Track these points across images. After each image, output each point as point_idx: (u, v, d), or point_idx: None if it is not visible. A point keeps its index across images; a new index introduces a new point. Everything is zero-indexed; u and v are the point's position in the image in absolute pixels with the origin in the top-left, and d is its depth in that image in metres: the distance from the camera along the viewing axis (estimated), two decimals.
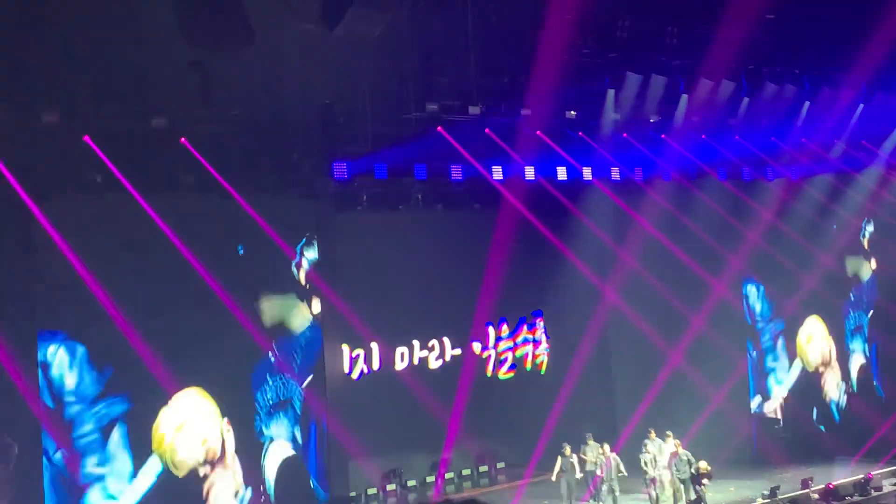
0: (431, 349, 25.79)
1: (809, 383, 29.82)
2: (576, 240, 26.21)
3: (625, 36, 24.95)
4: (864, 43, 25.61)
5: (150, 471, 20.55)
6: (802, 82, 27.75)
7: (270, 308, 22.37)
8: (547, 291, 27.14)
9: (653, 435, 23.47)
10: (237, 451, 21.76)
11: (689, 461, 22.84)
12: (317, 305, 23.14)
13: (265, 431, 22.27)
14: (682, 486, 22.88)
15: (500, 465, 26.49)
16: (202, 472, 21.23)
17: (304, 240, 22.94)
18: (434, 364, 25.78)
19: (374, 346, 24.69)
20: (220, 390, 21.50)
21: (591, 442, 23.44)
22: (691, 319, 26.64)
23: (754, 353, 28.96)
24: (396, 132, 23.60)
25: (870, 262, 31.65)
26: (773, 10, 25.01)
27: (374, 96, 23.35)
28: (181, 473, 20.94)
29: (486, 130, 24.14)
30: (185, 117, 20.58)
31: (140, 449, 20.46)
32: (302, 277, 22.94)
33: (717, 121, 27.01)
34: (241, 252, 21.77)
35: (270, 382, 22.35)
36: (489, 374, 26.88)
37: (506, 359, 27.17)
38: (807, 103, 27.89)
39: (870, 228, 31.33)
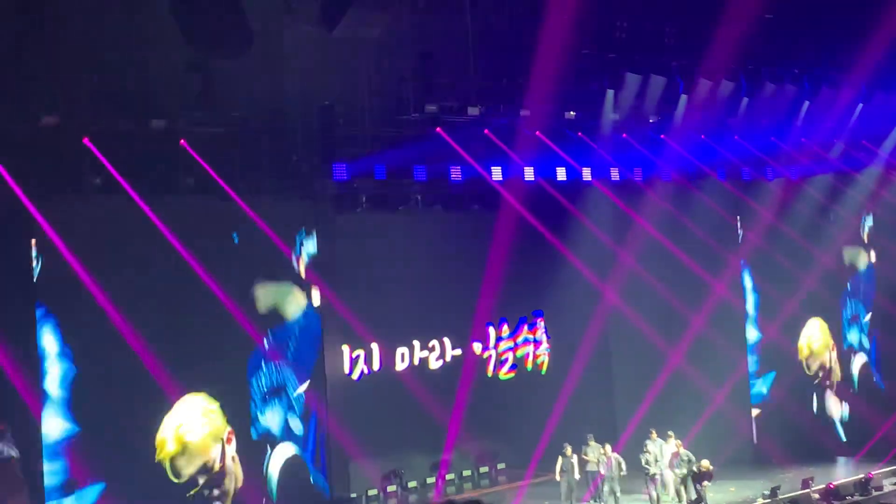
0: (432, 349, 25.77)
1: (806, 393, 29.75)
2: (575, 240, 26.21)
3: (624, 36, 25.03)
4: (863, 42, 25.65)
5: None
6: (802, 82, 27.79)
7: (265, 295, 22.32)
8: (547, 292, 27.12)
9: (654, 435, 23.47)
10: (238, 453, 21.78)
11: (689, 461, 22.85)
12: (316, 296, 23.05)
13: (260, 419, 22.24)
14: (682, 486, 22.89)
15: (501, 465, 26.47)
16: (202, 478, 21.23)
17: (304, 231, 22.90)
18: (434, 364, 25.77)
19: (375, 346, 24.67)
20: (221, 387, 21.50)
21: (593, 443, 23.43)
22: (691, 319, 26.65)
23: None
24: (396, 133, 23.65)
25: (868, 253, 31.57)
26: (772, 10, 25.03)
27: (374, 97, 23.41)
28: (182, 479, 20.94)
29: (486, 131, 24.18)
30: (184, 119, 20.61)
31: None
32: (301, 269, 22.95)
33: (716, 121, 27.06)
34: (236, 241, 21.72)
35: (264, 369, 22.34)
36: (490, 374, 26.87)
37: (506, 359, 27.16)
38: (806, 103, 27.93)
39: (869, 222, 31.29)
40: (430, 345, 25.71)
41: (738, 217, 28.37)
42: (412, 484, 24.95)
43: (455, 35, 23.74)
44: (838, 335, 30.84)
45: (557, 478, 23.12)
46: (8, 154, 18.49)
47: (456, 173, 23.92)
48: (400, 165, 23.48)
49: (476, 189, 24.98)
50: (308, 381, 22.94)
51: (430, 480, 25.21)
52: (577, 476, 23.02)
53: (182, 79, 20.38)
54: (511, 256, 24.67)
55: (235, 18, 20.57)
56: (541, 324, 27.71)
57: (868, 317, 31.42)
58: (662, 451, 23.28)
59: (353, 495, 23.73)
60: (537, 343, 27.66)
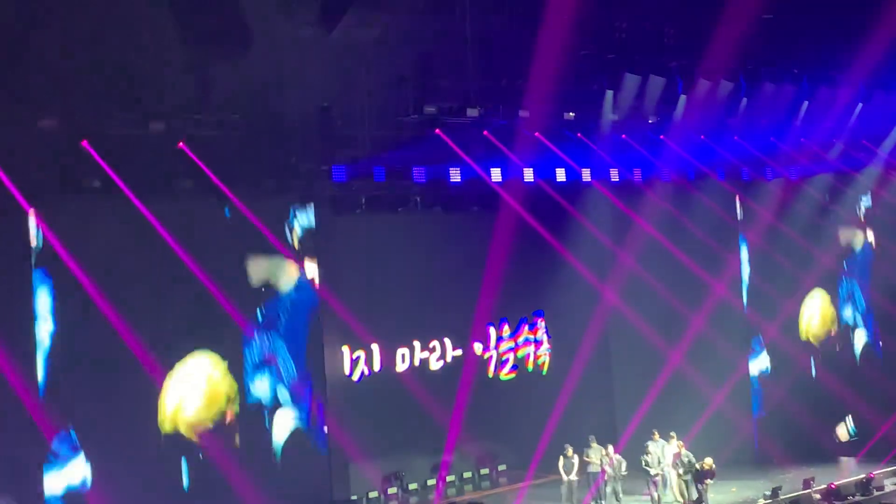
0: (432, 350, 25.78)
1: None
2: (575, 241, 26.21)
3: (623, 37, 25.03)
4: (862, 42, 25.63)
5: None
6: (801, 82, 27.79)
7: (257, 267, 22.30)
8: (547, 293, 27.12)
9: (656, 436, 23.45)
10: (238, 416, 21.91)
11: (689, 462, 22.83)
12: (309, 268, 23.01)
13: (251, 389, 22.29)
14: (684, 487, 22.88)
15: (502, 467, 26.47)
16: (206, 435, 21.43)
17: (298, 203, 22.95)
18: (435, 365, 25.77)
19: (375, 347, 24.68)
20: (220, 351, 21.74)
21: (595, 445, 23.39)
22: (691, 320, 26.64)
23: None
24: (395, 135, 23.65)
25: (864, 233, 31.49)
26: (771, 10, 25.02)
27: (373, 99, 23.38)
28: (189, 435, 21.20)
29: (485, 132, 24.16)
30: (183, 121, 20.58)
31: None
32: (295, 240, 22.93)
33: (715, 121, 27.05)
34: (227, 215, 21.71)
35: (257, 339, 22.33)
36: (490, 375, 26.87)
37: (507, 359, 27.16)
38: (805, 103, 27.93)
39: (865, 202, 31.23)
40: (431, 345, 25.72)
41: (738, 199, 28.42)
42: (413, 486, 24.96)
43: (454, 36, 23.74)
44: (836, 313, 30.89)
45: (565, 477, 23.03)
46: (6, 157, 18.48)
47: (455, 174, 23.92)
48: (399, 167, 23.50)
49: (475, 190, 24.96)
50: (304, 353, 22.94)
51: (431, 482, 25.20)
52: (574, 477, 22.94)
53: (180, 81, 20.36)
54: (511, 257, 24.67)
55: (234, 20, 20.56)
56: (541, 324, 27.71)
57: (864, 298, 31.45)
58: (664, 452, 23.27)
59: (354, 497, 23.72)
60: (538, 343, 27.66)
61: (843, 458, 26.74)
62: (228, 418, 21.95)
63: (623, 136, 26.07)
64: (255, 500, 20.98)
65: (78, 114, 19.31)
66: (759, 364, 28.98)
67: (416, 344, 25.47)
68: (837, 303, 31.06)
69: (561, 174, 25.22)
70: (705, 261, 27.11)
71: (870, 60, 26.07)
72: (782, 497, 22.94)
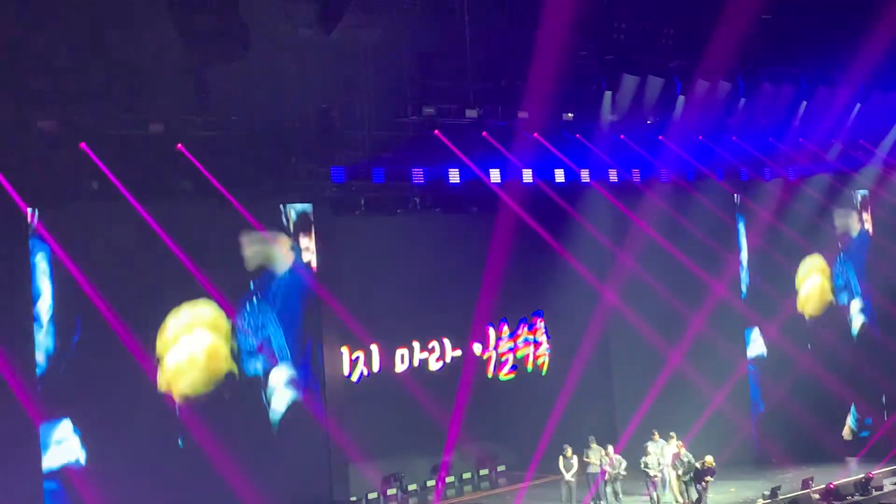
0: (432, 351, 25.80)
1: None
2: (574, 241, 26.24)
3: (621, 38, 25.01)
4: (860, 42, 25.64)
5: None
6: (799, 82, 27.79)
7: (251, 247, 22.34)
8: (546, 293, 27.15)
9: (656, 436, 23.44)
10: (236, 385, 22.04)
11: (689, 462, 22.83)
12: (305, 248, 23.01)
13: (245, 364, 22.41)
14: (683, 487, 22.89)
15: (501, 467, 26.51)
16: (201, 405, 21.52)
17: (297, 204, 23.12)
18: (434, 366, 25.79)
19: (374, 348, 24.70)
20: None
21: (595, 445, 23.39)
22: (691, 320, 26.66)
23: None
24: (394, 136, 23.64)
25: (860, 217, 31.47)
26: (770, 11, 25.03)
27: (371, 100, 23.37)
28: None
29: (484, 133, 24.16)
30: (182, 123, 20.59)
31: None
32: (290, 222, 22.97)
33: (714, 121, 27.05)
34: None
35: (249, 318, 22.35)
36: (490, 375, 26.89)
37: (507, 360, 27.19)
38: (804, 103, 27.92)
39: (862, 192, 31.21)
40: (430, 346, 25.75)
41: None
42: (412, 487, 24.98)
43: (453, 37, 23.72)
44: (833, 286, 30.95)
45: (566, 476, 22.98)
46: (5, 159, 18.49)
47: (454, 175, 23.93)
48: (398, 168, 23.51)
49: (475, 191, 24.96)
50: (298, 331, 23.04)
51: (430, 483, 25.23)
52: (570, 478, 22.90)
53: (179, 82, 20.36)
54: (510, 258, 24.71)
55: (233, 21, 20.56)
56: (541, 324, 27.74)
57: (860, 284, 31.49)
58: (664, 452, 23.27)
59: (354, 498, 23.74)
60: (537, 344, 27.69)
61: (842, 458, 26.71)
62: (226, 391, 21.95)
63: (622, 136, 26.07)
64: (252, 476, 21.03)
65: (77, 115, 19.31)
66: (755, 349, 28.93)
67: (416, 344, 25.51)
68: (833, 280, 31.03)
69: (560, 175, 25.24)
70: (704, 261, 27.13)
71: (868, 61, 26.09)
72: (781, 497, 22.95)
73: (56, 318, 19.79)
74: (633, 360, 27.40)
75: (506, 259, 24.62)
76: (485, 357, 26.77)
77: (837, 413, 29.83)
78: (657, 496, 23.16)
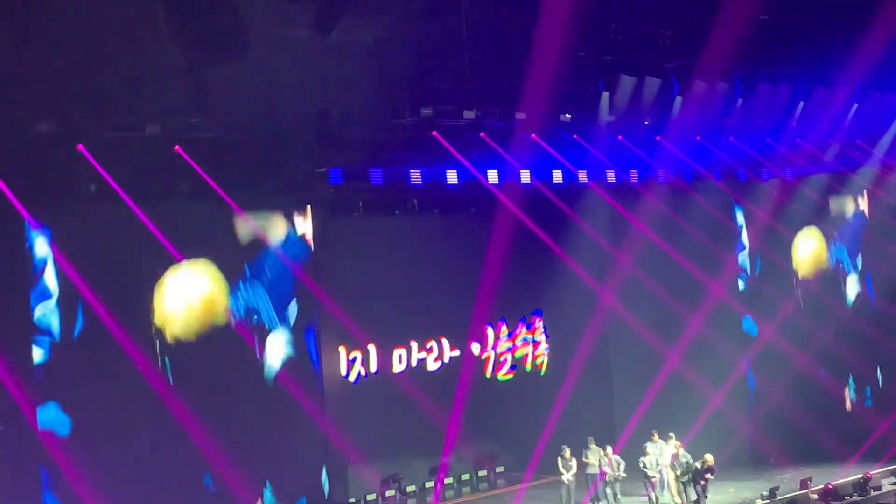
0: (430, 351, 25.81)
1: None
2: (572, 242, 26.24)
3: (619, 38, 24.99)
4: (858, 42, 25.64)
5: None
6: (797, 82, 27.80)
7: (246, 220, 22.36)
8: (544, 294, 27.17)
9: (655, 437, 23.47)
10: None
11: (688, 463, 22.85)
12: (300, 223, 23.01)
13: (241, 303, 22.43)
14: (682, 487, 22.90)
15: (500, 469, 26.51)
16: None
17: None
18: (432, 366, 25.80)
19: (372, 348, 24.70)
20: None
21: (594, 446, 23.40)
22: (689, 320, 26.68)
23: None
24: (391, 137, 23.62)
25: (855, 200, 31.43)
26: (767, 11, 25.02)
27: (369, 102, 23.35)
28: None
29: (482, 134, 24.16)
30: (179, 125, 20.59)
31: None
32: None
33: (711, 122, 27.05)
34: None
35: (242, 290, 22.33)
36: (488, 375, 26.90)
37: (505, 360, 27.19)
38: (801, 103, 27.93)
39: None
40: (428, 346, 25.76)
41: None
42: (411, 488, 25.00)
43: (450, 38, 23.70)
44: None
45: (566, 475, 22.95)
46: (2, 161, 18.49)
47: (452, 177, 23.96)
48: (396, 170, 23.53)
49: (472, 192, 24.98)
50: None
51: (429, 485, 25.24)
52: (568, 479, 22.90)
53: (177, 85, 20.33)
54: (508, 258, 24.72)
55: (230, 23, 20.54)
56: (539, 323, 27.76)
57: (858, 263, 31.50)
58: (663, 453, 23.28)
59: (352, 500, 23.77)
60: (536, 343, 27.71)
61: (841, 458, 26.67)
62: (219, 341, 21.86)
63: (619, 137, 26.08)
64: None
65: (74, 117, 19.32)
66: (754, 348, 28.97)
67: (414, 344, 25.52)
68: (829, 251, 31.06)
69: (557, 176, 25.27)
70: (703, 261, 27.16)
71: (865, 61, 26.08)
72: (780, 497, 22.99)
73: (55, 318, 19.78)
74: (631, 360, 27.42)
75: (504, 260, 24.63)
76: (483, 357, 26.78)
77: (838, 413, 29.86)
78: (655, 497, 23.18)
